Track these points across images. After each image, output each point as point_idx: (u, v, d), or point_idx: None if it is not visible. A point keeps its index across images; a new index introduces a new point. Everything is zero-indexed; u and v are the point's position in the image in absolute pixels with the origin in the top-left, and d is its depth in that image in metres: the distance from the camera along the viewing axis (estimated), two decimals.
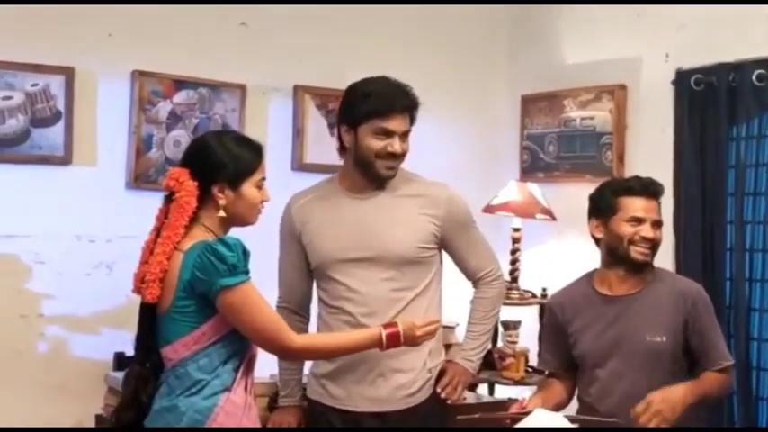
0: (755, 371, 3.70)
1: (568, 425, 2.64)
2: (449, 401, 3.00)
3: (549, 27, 4.53)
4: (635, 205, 2.92)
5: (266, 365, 3.02)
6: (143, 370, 2.51)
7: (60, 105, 3.61)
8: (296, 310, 3.04)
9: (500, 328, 4.16)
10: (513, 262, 4.22)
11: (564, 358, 3.05)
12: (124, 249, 3.30)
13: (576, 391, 3.05)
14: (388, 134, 2.87)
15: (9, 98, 3.53)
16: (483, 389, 4.11)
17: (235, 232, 2.54)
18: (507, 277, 4.21)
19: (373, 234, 2.91)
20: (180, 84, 3.86)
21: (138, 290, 2.50)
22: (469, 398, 3.59)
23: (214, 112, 3.93)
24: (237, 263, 2.39)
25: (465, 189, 3.96)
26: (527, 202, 4.19)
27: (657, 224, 2.94)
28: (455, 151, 4.52)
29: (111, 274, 3.68)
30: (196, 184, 2.47)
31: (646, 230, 2.89)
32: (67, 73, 3.61)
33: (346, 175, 2.99)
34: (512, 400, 3.36)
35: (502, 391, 4.07)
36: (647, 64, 4.10)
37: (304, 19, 4.13)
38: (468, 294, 3.13)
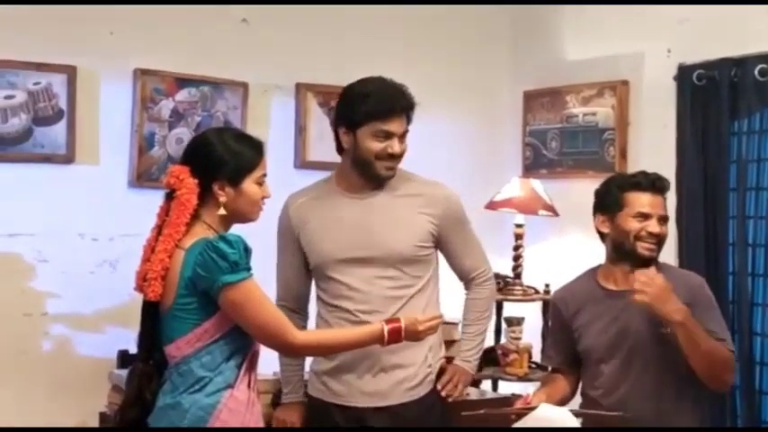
0: (758, 366, 3.70)
1: (573, 419, 2.64)
2: (449, 399, 3.02)
3: (551, 23, 4.53)
4: (641, 201, 2.91)
5: (270, 363, 3.04)
6: (146, 368, 2.52)
7: (62, 104, 3.61)
8: (294, 308, 3.04)
9: (503, 325, 4.17)
10: (516, 258, 4.22)
11: (567, 354, 3.05)
12: (127, 247, 3.31)
13: (580, 387, 3.05)
14: (388, 136, 2.88)
15: (11, 97, 3.53)
16: (486, 385, 4.11)
17: (236, 229, 2.55)
18: (510, 273, 4.23)
19: (373, 234, 2.92)
20: (182, 82, 3.86)
21: (140, 288, 2.51)
22: (473, 394, 3.61)
23: (216, 109, 3.93)
24: (239, 260, 2.40)
25: (467, 185, 3.98)
26: (529, 199, 4.19)
27: (664, 219, 2.94)
28: (457, 148, 4.52)
29: (115, 273, 3.69)
30: (197, 181, 2.47)
31: (652, 226, 2.89)
32: (69, 71, 3.62)
33: (343, 175, 2.99)
34: (515, 396, 3.37)
35: (505, 388, 4.07)
36: (649, 59, 4.10)
37: (306, 16, 4.13)
38: None
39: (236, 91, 3.97)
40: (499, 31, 4.70)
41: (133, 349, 2.63)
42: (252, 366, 2.53)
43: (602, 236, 3.01)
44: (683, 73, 3.91)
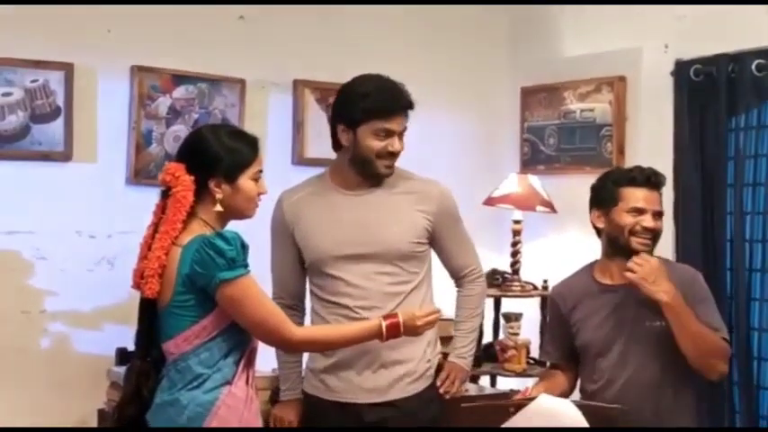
0: (756, 360, 3.70)
1: (574, 409, 2.64)
2: (447, 396, 3.03)
3: (549, 19, 4.53)
4: (636, 196, 2.92)
5: (268, 360, 3.04)
6: (144, 365, 2.52)
7: (60, 101, 3.61)
8: (291, 304, 3.04)
9: (501, 321, 4.17)
10: (514, 254, 4.23)
11: (566, 350, 3.06)
12: (125, 245, 3.30)
13: (579, 382, 3.05)
14: (389, 134, 2.90)
15: (9, 94, 3.53)
16: (485, 381, 4.12)
17: (234, 226, 2.55)
18: (508, 269, 4.23)
19: (371, 230, 2.92)
20: (179, 79, 3.85)
21: (137, 285, 2.51)
22: (471, 390, 3.61)
23: (214, 106, 3.93)
24: (236, 256, 2.40)
25: (465, 182, 3.99)
26: (527, 195, 4.19)
27: (658, 215, 2.94)
28: (455, 144, 4.52)
29: (113, 270, 3.69)
30: (192, 178, 2.47)
31: (647, 221, 2.90)
32: (67, 69, 3.61)
33: (339, 171, 3.00)
34: (514, 392, 3.37)
35: (504, 383, 4.08)
36: (646, 55, 4.10)
37: (303, 13, 4.13)
38: None
39: (233, 88, 3.96)
40: (497, 28, 4.69)
41: (131, 346, 2.64)
42: (250, 363, 2.54)
43: (598, 231, 3.02)
44: (681, 69, 3.91)
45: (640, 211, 2.90)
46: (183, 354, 2.46)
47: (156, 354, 2.52)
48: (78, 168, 3.67)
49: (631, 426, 2.76)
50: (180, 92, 3.86)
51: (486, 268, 4.11)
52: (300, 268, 3.05)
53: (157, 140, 3.82)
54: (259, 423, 2.59)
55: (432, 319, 2.75)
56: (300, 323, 3.04)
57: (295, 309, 3.06)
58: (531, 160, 4.57)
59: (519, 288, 4.19)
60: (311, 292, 3.05)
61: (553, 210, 4.20)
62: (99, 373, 3.53)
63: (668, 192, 3.87)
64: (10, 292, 3.57)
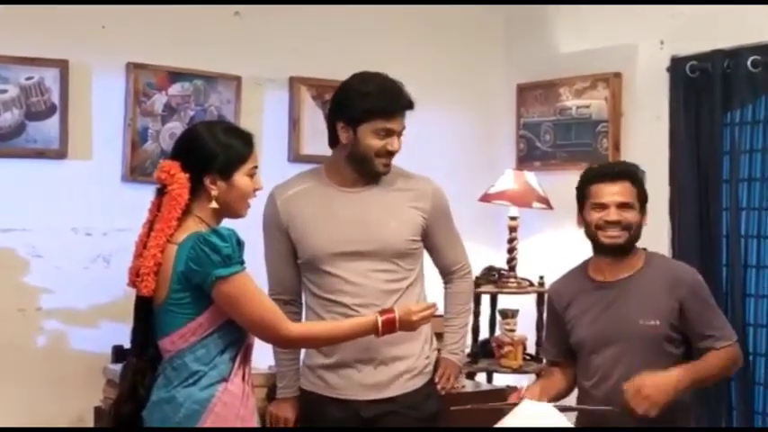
0: (752, 356, 3.71)
1: (558, 414, 2.64)
2: (443, 392, 3.05)
3: (544, 16, 4.53)
4: (598, 191, 2.92)
5: (265, 356, 3.04)
6: (140, 363, 2.52)
7: (55, 98, 3.61)
8: (289, 300, 3.04)
9: (498, 317, 4.17)
10: (511, 251, 4.22)
11: (563, 347, 3.06)
12: (121, 242, 3.28)
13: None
14: (389, 133, 2.91)
15: (3, 92, 3.53)
16: (481, 377, 4.12)
17: (228, 222, 2.54)
18: (505, 266, 4.23)
19: (369, 228, 2.93)
20: (175, 76, 3.85)
21: (133, 283, 2.50)
22: (468, 386, 3.62)
23: (209, 103, 3.93)
24: (232, 253, 2.40)
25: (462, 178, 4.00)
26: (523, 191, 4.19)
27: (625, 206, 2.90)
28: (451, 141, 4.52)
29: (109, 268, 3.68)
30: (188, 175, 2.46)
31: (610, 214, 2.88)
32: (62, 66, 3.61)
33: (335, 168, 2.99)
34: (510, 389, 3.38)
35: (500, 380, 4.08)
36: (642, 51, 4.10)
37: (299, 9, 4.12)
38: None
39: (229, 85, 3.96)
40: (493, 24, 4.69)
41: (127, 344, 2.63)
42: (246, 359, 2.53)
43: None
44: (676, 65, 3.92)
45: (602, 206, 2.90)
46: (179, 351, 2.46)
47: (153, 351, 2.51)
48: (74, 166, 3.67)
49: (627, 425, 2.77)
50: (175, 89, 3.86)
51: (482, 265, 4.16)
52: (296, 264, 3.04)
53: (153, 137, 3.81)
54: (255, 420, 2.59)
55: (427, 314, 2.76)
56: (299, 318, 3.04)
57: (293, 304, 3.05)
58: (528, 157, 4.57)
59: (515, 284, 4.19)
60: (306, 288, 3.04)
61: (549, 206, 4.20)
62: (95, 371, 3.53)
63: (664, 187, 3.88)
64: (6, 289, 3.57)
